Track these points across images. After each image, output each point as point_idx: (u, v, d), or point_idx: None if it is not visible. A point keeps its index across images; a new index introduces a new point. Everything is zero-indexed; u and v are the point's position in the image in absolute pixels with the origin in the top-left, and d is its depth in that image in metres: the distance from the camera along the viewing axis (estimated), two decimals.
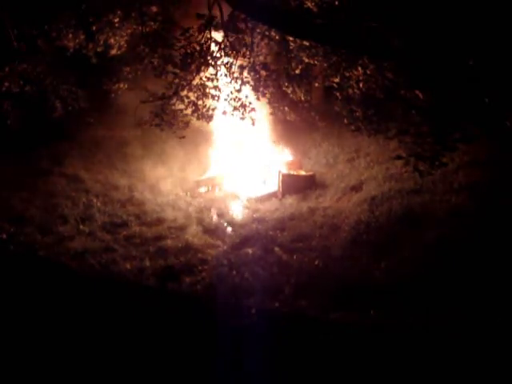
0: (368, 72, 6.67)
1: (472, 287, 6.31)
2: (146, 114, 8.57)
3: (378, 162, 11.49)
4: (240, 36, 7.67)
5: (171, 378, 4.14)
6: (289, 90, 8.90)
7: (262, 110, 9.63)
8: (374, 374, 4.19)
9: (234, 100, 7.95)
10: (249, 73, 7.88)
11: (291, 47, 8.04)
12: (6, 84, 8.70)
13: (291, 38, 7.69)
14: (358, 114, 6.55)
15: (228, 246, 8.60)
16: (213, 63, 7.68)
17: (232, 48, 7.66)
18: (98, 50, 8.91)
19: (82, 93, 10.20)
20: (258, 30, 7.84)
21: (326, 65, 7.66)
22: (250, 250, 8.44)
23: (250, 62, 7.90)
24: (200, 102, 7.94)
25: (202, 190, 11.41)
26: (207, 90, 7.92)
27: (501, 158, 9.57)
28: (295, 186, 10.86)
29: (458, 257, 7.08)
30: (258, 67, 8.00)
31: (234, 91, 7.93)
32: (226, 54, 7.71)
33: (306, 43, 7.56)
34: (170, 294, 6.92)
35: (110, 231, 9.27)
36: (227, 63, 7.77)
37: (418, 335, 5.01)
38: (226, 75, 7.84)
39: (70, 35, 8.48)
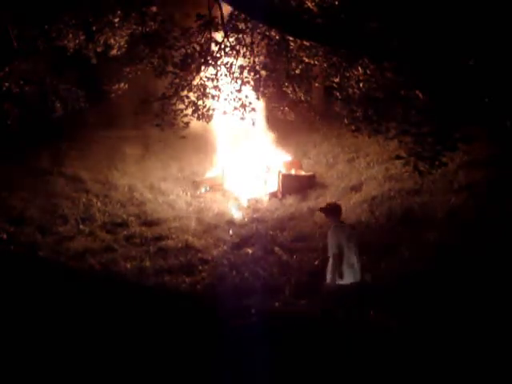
0: (368, 72, 6.67)
1: (472, 287, 6.31)
2: (146, 114, 8.57)
3: (378, 162, 11.51)
4: (240, 36, 7.67)
5: (171, 378, 4.15)
6: (289, 90, 8.90)
7: (262, 110, 9.65)
8: (374, 373, 4.20)
9: (234, 100, 7.95)
10: (249, 73, 7.88)
11: (291, 47, 8.03)
12: (6, 84, 8.70)
13: (291, 38, 7.69)
14: (358, 114, 6.53)
15: (228, 246, 8.60)
16: (213, 63, 7.68)
17: (232, 48, 7.66)
18: (98, 50, 8.91)
19: (81, 93, 10.19)
20: (258, 30, 7.83)
21: (325, 65, 7.66)
22: (249, 250, 8.44)
23: (250, 62, 7.90)
24: (200, 102, 7.93)
25: (202, 190, 11.41)
26: (207, 90, 7.92)
27: (501, 158, 9.59)
28: (295, 186, 10.86)
29: (458, 257, 7.08)
30: (258, 67, 8.00)
31: (233, 91, 7.93)
32: (226, 54, 7.71)
33: (306, 43, 7.56)
34: (170, 294, 6.92)
35: (110, 231, 9.28)
36: (227, 63, 7.77)
37: (418, 335, 5.02)
38: (226, 75, 7.84)
39: (70, 35, 8.48)
